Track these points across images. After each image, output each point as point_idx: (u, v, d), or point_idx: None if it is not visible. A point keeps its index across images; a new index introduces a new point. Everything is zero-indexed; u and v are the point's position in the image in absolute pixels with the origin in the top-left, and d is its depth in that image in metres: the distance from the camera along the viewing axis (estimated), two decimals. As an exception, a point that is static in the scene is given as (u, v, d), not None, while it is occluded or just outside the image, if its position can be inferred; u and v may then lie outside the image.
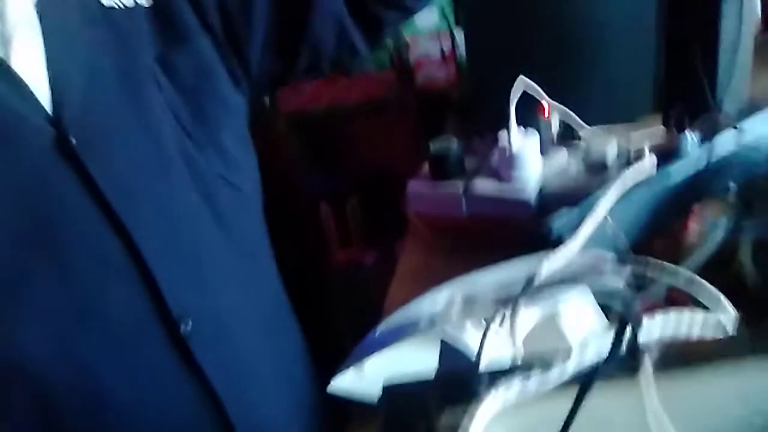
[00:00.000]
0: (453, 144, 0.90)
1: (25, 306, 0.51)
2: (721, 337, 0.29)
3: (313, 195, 1.89)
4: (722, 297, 0.38)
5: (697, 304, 0.40)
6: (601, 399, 0.24)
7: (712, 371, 0.26)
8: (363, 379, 0.61)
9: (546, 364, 0.26)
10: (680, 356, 0.26)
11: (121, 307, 0.55)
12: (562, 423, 0.23)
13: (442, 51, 1.64)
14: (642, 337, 0.26)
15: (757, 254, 0.64)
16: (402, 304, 0.75)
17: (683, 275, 0.40)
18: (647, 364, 0.23)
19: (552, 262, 0.52)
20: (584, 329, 0.53)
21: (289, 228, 1.93)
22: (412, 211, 0.94)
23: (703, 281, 0.39)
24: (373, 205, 1.81)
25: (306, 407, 0.72)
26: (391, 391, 0.30)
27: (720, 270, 0.68)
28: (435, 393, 0.27)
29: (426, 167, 0.93)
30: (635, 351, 0.24)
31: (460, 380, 0.28)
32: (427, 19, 1.66)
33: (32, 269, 0.51)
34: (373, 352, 0.58)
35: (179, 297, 0.57)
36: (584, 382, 0.24)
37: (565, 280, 0.48)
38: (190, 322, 0.57)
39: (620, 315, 0.24)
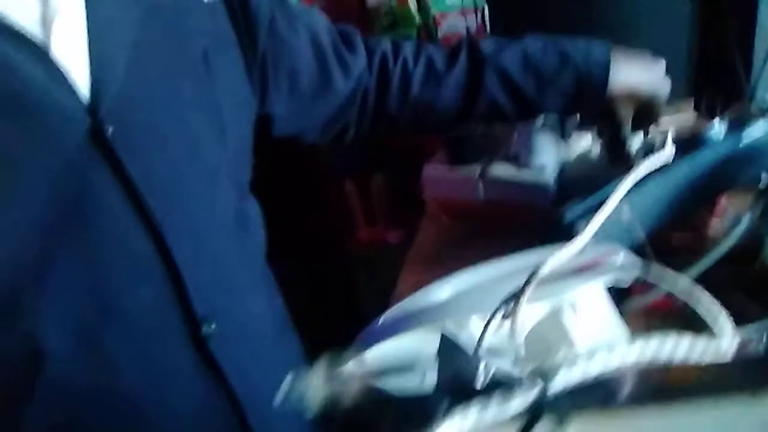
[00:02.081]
0: (470, 127, 0.88)
1: (49, 296, 0.50)
2: (703, 371, 0.26)
3: (338, 173, 1.88)
4: (723, 315, 0.35)
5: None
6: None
7: (693, 408, 0.24)
8: (364, 368, 0.60)
9: (508, 390, 0.24)
10: (658, 389, 0.24)
11: (145, 305, 0.55)
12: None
13: (468, 29, 1.60)
14: (620, 363, 0.24)
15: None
16: (413, 289, 0.74)
17: (683, 284, 0.38)
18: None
19: (560, 255, 0.49)
20: (593, 326, 0.51)
21: (314, 205, 1.92)
22: (427, 195, 0.92)
23: (705, 293, 0.36)
24: (398, 184, 1.80)
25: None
26: (347, 410, 0.28)
27: (744, 265, 0.65)
28: (391, 415, 0.25)
29: (443, 151, 0.91)
30: (557, 408, 0.21)
31: (420, 403, 0.26)
32: (456, -6, 1.62)
33: (59, 260, 0.50)
34: (376, 342, 0.57)
35: (205, 298, 0.57)
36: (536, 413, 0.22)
37: (574, 273, 0.46)
38: (213, 324, 0.57)
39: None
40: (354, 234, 1.91)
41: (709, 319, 0.33)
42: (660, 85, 0.74)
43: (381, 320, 0.62)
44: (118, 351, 0.54)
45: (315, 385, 0.19)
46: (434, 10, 1.64)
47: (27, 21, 0.49)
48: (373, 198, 1.85)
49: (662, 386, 0.24)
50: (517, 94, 0.74)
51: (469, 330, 0.58)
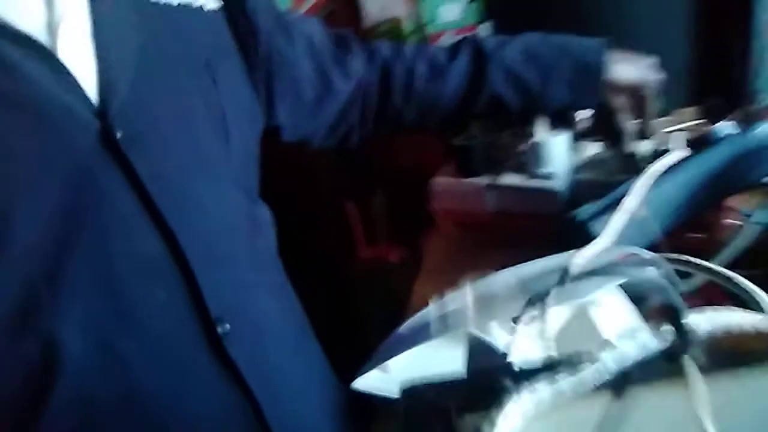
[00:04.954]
0: (477, 138, 0.88)
1: (66, 298, 0.51)
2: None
3: (338, 192, 1.88)
4: (761, 294, 0.36)
5: (735, 302, 0.38)
6: (641, 401, 0.22)
7: (760, 375, 0.24)
8: (388, 378, 0.59)
9: (573, 365, 0.24)
10: (726, 358, 0.24)
11: (161, 306, 0.55)
12: (596, 427, 0.22)
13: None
14: (687, 339, 0.24)
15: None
16: (427, 302, 0.74)
17: (720, 272, 0.38)
18: (693, 365, 0.21)
19: (583, 257, 0.50)
20: (618, 325, 0.51)
21: (315, 225, 1.92)
22: (436, 208, 0.92)
23: (740, 278, 0.36)
24: (399, 203, 1.80)
25: (335, 408, 0.72)
26: (411, 392, 0.28)
27: (759, 263, 0.65)
28: (457, 396, 0.25)
29: (451, 164, 0.92)
30: (680, 351, 0.22)
31: (484, 383, 0.26)
32: (451, 13, 1.64)
33: (73, 264, 0.51)
34: (397, 351, 0.57)
35: (219, 299, 0.57)
36: (622, 384, 0.22)
37: (598, 274, 0.46)
38: (228, 324, 0.57)
39: (667, 314, 0.22)
40: (355, 253, 1.90)
41: (749, 298, 0.33)
42: (648, 74, 0.77)
43: (401, 330, 0.62)
44: (135, 354, 0.54)
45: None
46: (429, 29, 1.66)
47: (34, 27, 0.50)
48: (374, 217, 1.85)
49: (733, 353, 0.24)
50: (521, 85, 0.76)
51: (492, 335, 0.57)
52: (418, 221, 1.13)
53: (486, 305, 0.58)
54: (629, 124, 0.77)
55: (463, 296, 0.62)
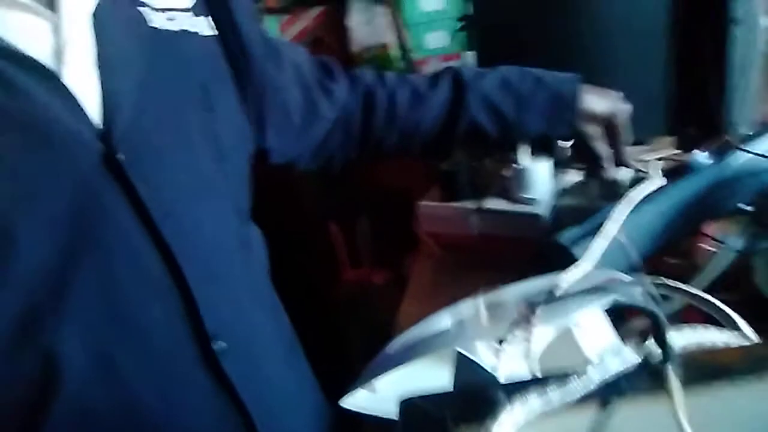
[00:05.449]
0: (462, 164, 0.90)
1: (67, 313, 0.52)
2: (745, 352, 0.28)
3: (322, 215, 1.89)
4: (737, 316, 0.38)
5: (712, 324, 0.40)
6: (625, 413, 0.23)
7: (735, 389, 0.25)
8: (375, 397, 0.60)
9: (563, 378, 0.26)
10: (703, 372, 0.26)
11: (159, 323, 0.56)
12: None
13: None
14: (669, 351, 0.25)
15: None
16: (413, 323, 0.75)
17: (697, 295, 0.40)
18: (674, 378, 0.23)
19: (567, 278, 0.51)
20: (599, 345, 0.53)
21: (299, 248, 1.93)
22: (422, 231, 0.94)
23: (717, 301, 0.38)
24: (383, 225, 1.81)
25: (325, 423, 0.74)
26: (408, 406, 0.29)
27: (734, 288, 0.67)
28: (453, 408, 0.27)
29: (436, 188, 0.94)
30: (662, 364, 0.23)
31: (477, 395, 0.27)
32: (438, 41, 1.67)
33: (75, 280, 0.52)
34: (385, 370, 0.58)
35: (214, 316, 0.58)
36: (608, 395, 0.23)
37: (581, 295, 0.48)
38: (222, 341, 0.59)
39: (650, 330, 0.24)
40: (339, 275, 1.91)
41: (725, 323, 0.35)
42: (617, 105, 0.80)
43: (388, 349, 0.63)
44: (133, 369, 0.55)
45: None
46: (416, 56, 1.69)
47: (41, 52, 0.52)
48: (359, 240, 1.87)
49: (710, 368, 0.26)
50: (497, 114, 0.79)
51: (477, 355, 0.59)
52: (403, 244, 1.15)
53: (497, 316, 0.59)
54: (606, 152, 0.79)
55: (476, 306, 0.64)
